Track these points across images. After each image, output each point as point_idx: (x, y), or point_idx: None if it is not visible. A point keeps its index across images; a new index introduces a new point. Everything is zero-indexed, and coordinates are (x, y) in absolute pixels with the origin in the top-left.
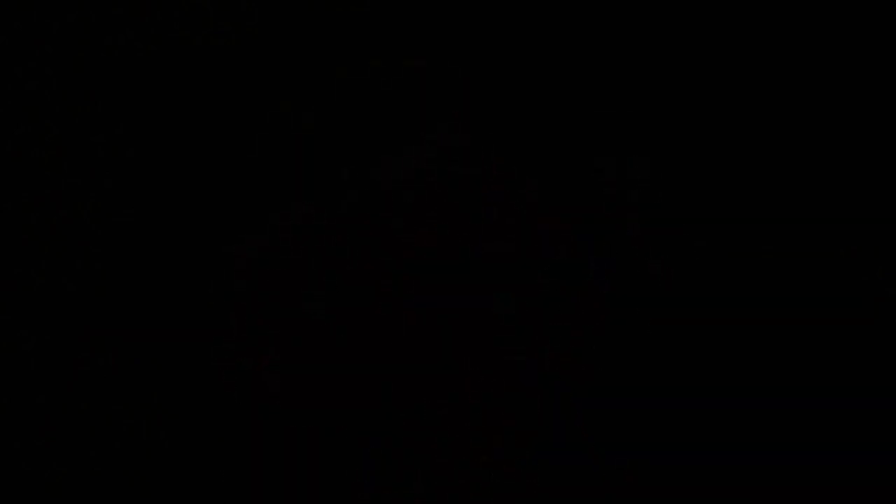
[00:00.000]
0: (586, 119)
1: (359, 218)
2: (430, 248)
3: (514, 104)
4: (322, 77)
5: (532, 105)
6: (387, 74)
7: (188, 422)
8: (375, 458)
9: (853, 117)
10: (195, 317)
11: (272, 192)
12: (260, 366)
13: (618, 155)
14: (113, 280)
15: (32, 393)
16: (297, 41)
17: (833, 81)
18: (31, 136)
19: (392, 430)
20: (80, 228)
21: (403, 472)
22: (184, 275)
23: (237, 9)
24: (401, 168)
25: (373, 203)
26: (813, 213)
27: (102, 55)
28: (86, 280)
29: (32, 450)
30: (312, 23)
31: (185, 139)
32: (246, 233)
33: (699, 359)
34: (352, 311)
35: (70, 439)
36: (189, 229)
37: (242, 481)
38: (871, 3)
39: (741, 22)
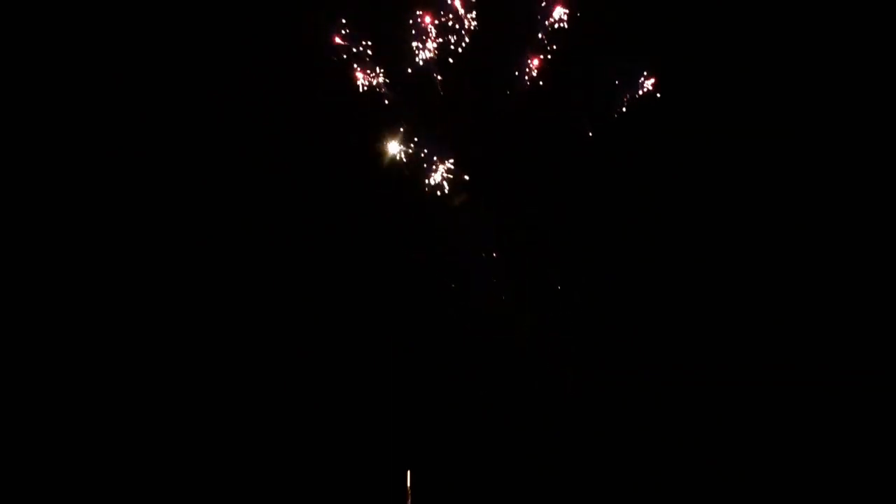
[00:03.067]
0: (583, 121)
1: (359, 217)
2: (429, 247)
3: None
4: (322, 78)
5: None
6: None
7: (188, 421)
8: (375, 456)
9: (853, 118)
10: (195, 316)
11: (272, 192)
12: (263, 363)
13: (614, 155)
14: (113, 280)
15: (32, 393)
16: (298, 42)
17: (832, 83)
18: (31, 136)
19: (392, 429)
20: (80, 228)
21: (403, 470)
22: (184, 274)
23: (238, 10)
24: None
25: (372, 202)
26: (813, 213)
27: (102, 55)
28: (86, 280)
29: (32, 449)
30: (313, 24)
31: (185, 139)
32: (246, 233)
33: (697, 358)
34: (350, 309)
35: (70, 439)
36: (189, 229)
37: (241, 480)
38: (870, 4)
39: (742, 24)
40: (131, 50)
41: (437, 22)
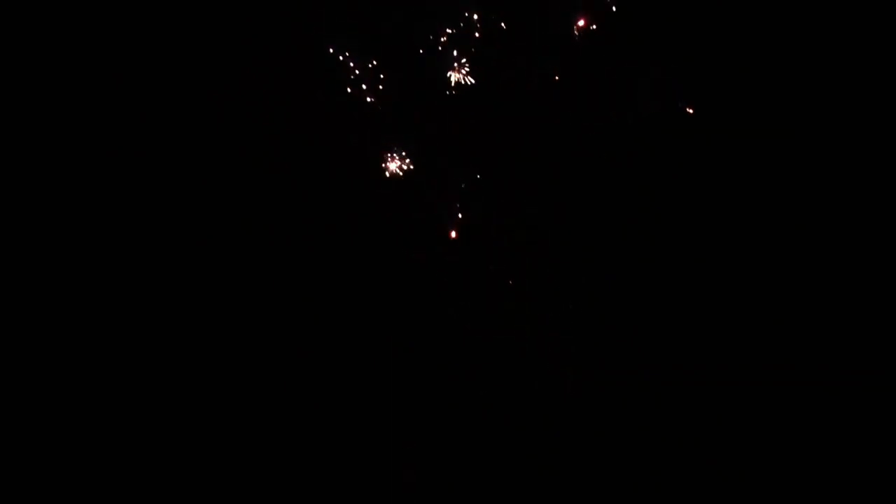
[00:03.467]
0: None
1: (359, 217)
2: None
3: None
4: (324, 78)
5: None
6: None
7: (185, 421)
8: (373, 455)
9: (853, 119)
10: (194, 316)
11: (273, 191)
12: (262, 363)
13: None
14: (109, 279)
15: (32, 393)
16: (299, 42)
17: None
18: (28, 135)
19: (392, 428)
20: (80, 228)
21: (400, 470)
22: (182, 274)
23: (239, 10)
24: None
25: (373, 203)
26: (813, 213)
27: (102, 55)
28: (82, 279)
29: (32, 450)
30: (314, 24)
31: (185, 140)
32: (246, 232)
33: (697, 358)
34: (349, 308)
35: (70, 439)
36: (188, 229)
37: (240, 480)
38: (868, 5)
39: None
40: (130, 49)
41: (448, 26)
